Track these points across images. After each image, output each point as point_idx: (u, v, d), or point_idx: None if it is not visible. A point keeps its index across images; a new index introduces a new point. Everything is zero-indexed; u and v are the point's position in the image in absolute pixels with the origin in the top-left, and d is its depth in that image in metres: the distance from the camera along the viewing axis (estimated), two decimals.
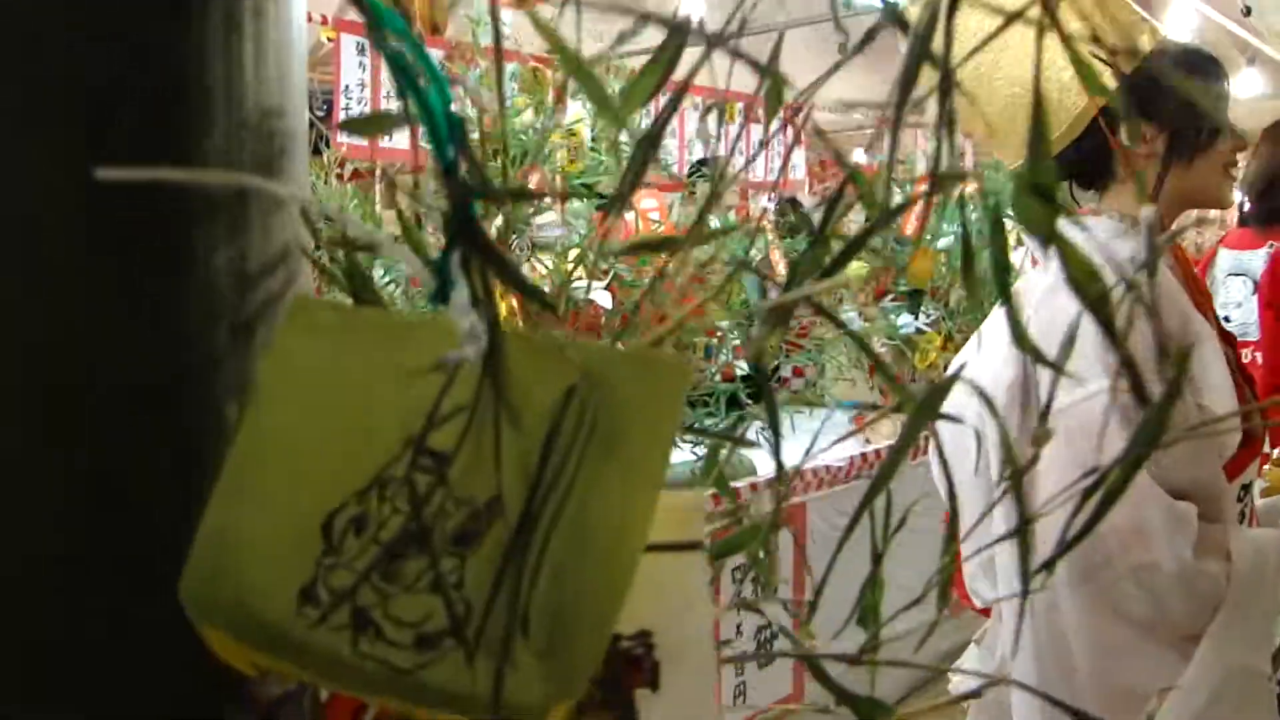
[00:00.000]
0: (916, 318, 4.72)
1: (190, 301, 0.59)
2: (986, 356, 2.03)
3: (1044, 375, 1.99)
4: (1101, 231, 1.97)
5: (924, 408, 0.58)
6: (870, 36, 0.68)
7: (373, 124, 0.66)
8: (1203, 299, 2.04)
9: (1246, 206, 4.23)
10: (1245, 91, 6.96)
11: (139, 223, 0.58)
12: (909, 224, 4.59)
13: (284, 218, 0.64)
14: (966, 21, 1.90)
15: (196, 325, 0.60)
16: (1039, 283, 1.95)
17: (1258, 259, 4.05)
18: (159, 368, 0.59)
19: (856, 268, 4.16)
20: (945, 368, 4.69)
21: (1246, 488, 2.24)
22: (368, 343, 0.60)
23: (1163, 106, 1.91)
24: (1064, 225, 1.83)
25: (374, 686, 0.54)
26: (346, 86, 4.16)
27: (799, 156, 6.01)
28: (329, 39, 3.98)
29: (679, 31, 0.60)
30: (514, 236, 2.77)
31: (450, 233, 0.55)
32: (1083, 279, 0.56)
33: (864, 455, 4.23)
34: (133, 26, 0.58)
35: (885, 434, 4.31)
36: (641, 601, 0.56)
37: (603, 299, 2.77)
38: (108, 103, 0.57)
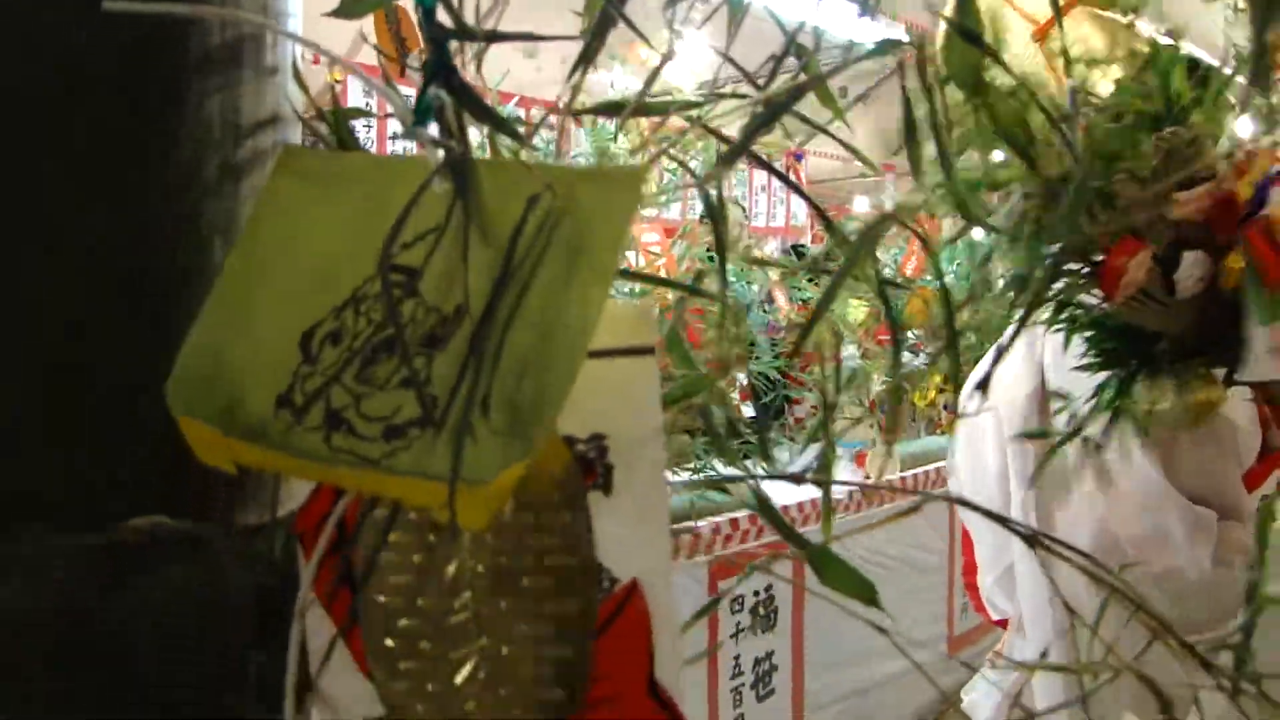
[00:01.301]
0: (917, 356, 4.75)
1: (182, 141, 0.64)
2: (1003, 370, 2.07)
3: (1059, 388, 2.02)
4: None
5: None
6: (862, 96, 0.72)
7: (363, 2, 0.72)
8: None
9: None
10: (1241, 132, 7.03)
11: (137, 65, 0.63)
12: (908, 265, 4.65)
13: (276, 81, 0.69)
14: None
15: (187, 163, 0.64)
16: None
17: None
18: (152, 202, 0.64)
19: (856, 308, 4.22)
20: (945, 406, 4.73)
21: (1265, 499, 2.27)
22: (351, 181, 0.64)
23: None
24: None
25: (346, 476, 0.58)
26: (352, 128, 4.24)
27: (800, 203, 6.09)
28: (336, 80, 4.07)
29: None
30: None
31: (428, 72, 0.60)
32: (1010, 128, 0.61)
33: (864, 491, 4.25)
34: None
35: (885, 471, 4.33)
36: (595, 405, 0.60)
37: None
38: None
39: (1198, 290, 1.53)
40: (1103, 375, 1.79)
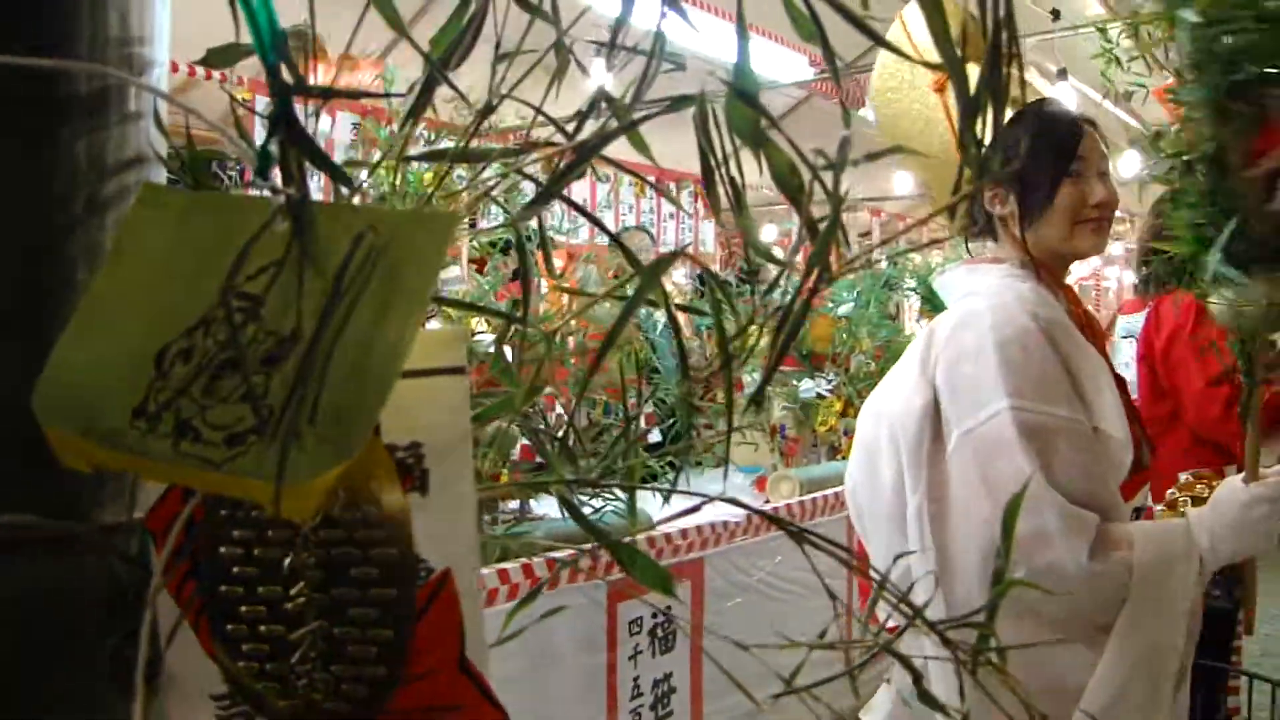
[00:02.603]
0: (814, 380, 4.90)
1: (50, 177, 0.72)
2: (896, 387, 2.18)
3: (949, 400, 2.14)
4: (996, 275, 2.15)
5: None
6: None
7: (227, 54, 0.80)
8: (1096, 338, 2.22)
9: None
10: (1127, 172, 7.34)
11: (5, 108, 0.70)
12: (806, 286, 4.77)
13: (140, 126, 0.77)
14: (909, 103, 2.08)
15: (56, 197, 0.72)
16: (946, 321, 2.12)
17: (1141, 321, 4.31)
18: (21, 232, 0.72)
19: (754, 334, 4.32)
20: (845, 432, 4.85)
21: (1138, 510, 2.40)
22: (205, 217, 0.72)
23: (1006, 167, 2.09)
24: (963, 271, 2.00)
25: (193, 477, 0.66)
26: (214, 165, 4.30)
27: (708, 230, 6.22)
28: (245, 99, 4.13)
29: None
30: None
31: (270, 124, 0.69)
32: (784, 176, 0.70)
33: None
34: None
35: (784, 494, 4.45)
36: (413, 418, 0.69)
37: (505, 351, 2.88)
38: None
39: None
40: (993, 380, 1.91)
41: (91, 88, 0.74)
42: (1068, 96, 6.27)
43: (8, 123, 0.72)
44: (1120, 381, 2.16)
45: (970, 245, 2.31)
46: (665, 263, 0.71)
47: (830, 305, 4.87)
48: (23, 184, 0.72)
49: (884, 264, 5.19)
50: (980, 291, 2.12)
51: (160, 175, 0.79)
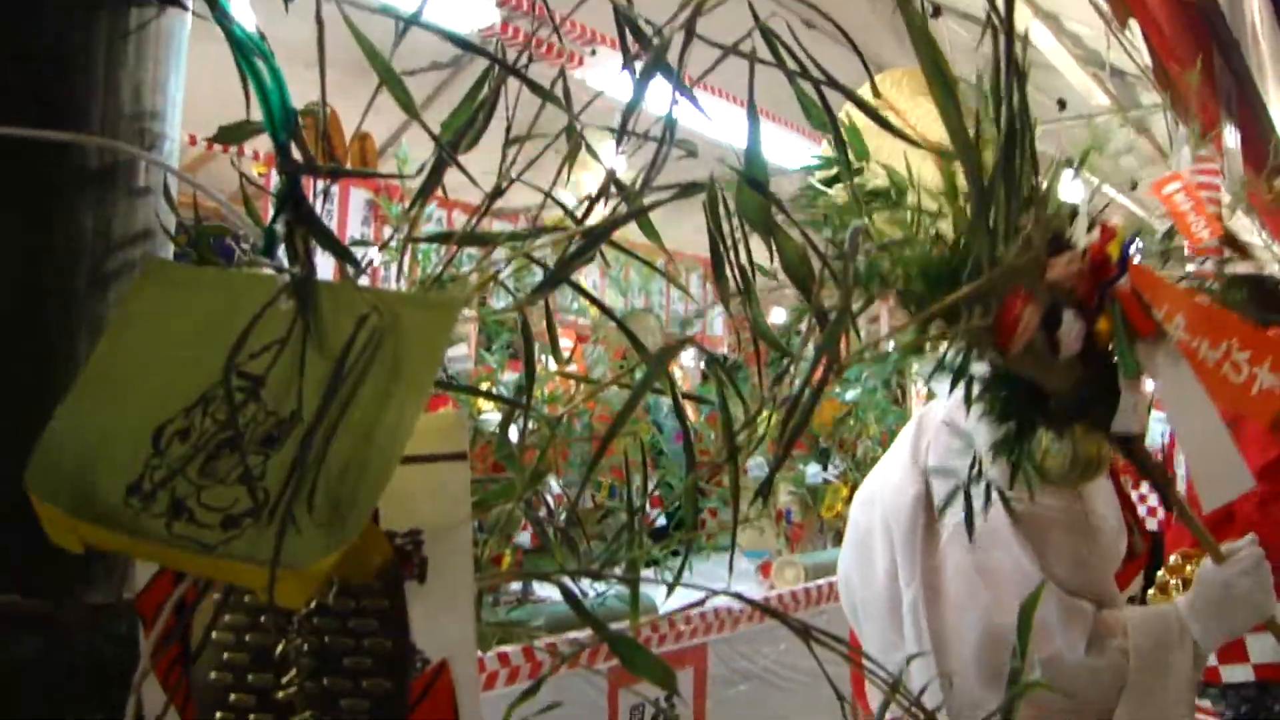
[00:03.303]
0: (825, 468, 4.87)
1: (55, 249, 0.71)
2: (889, 476, 2.16)
3: (941, 490, 2.11)
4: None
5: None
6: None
7: (239, 131, 0.80)
8: None
9: None
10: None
11: (14, 179, 0.70)
12: (816, 374, 4.76)
13: (148, 200, 0.77)
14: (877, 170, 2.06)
15: (60, 270, 0.71)
16: (936, 413, 2.10)
17: None
18: (22, 301, 0.71)
19: (764, 418, 4.30)
20: None
21: (1131, 599, 2.37)
22: (208, 294, 0.72)
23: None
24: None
25: (186, 560, 0.64)
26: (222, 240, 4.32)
27: (717, 311, 6.23)
28: (260, 174, 4.16)
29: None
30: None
31: (279, 201, 0.68)
32: (794, 265, 0.70)
33: (766, 599, 4.30)
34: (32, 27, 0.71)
35: (789, 580, 4.40)
36: (413, 503, 0.68)
37: (512, 432, 2.87)
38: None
39: (1076, 349, 1.63)
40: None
41: (102, 162, 0.74)
42: (1074, 186, 6.29)
43: (16, 195, 0.71)
44: (1111, 470, 2.15)
45: None
46: (671, 351, 0.70)
47: (836, 390, 4.86)
48: (27, 255, 0.72)
49: (890, 348, 5.17)
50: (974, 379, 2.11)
51: (167, 249, 0.79)
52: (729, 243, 0.73)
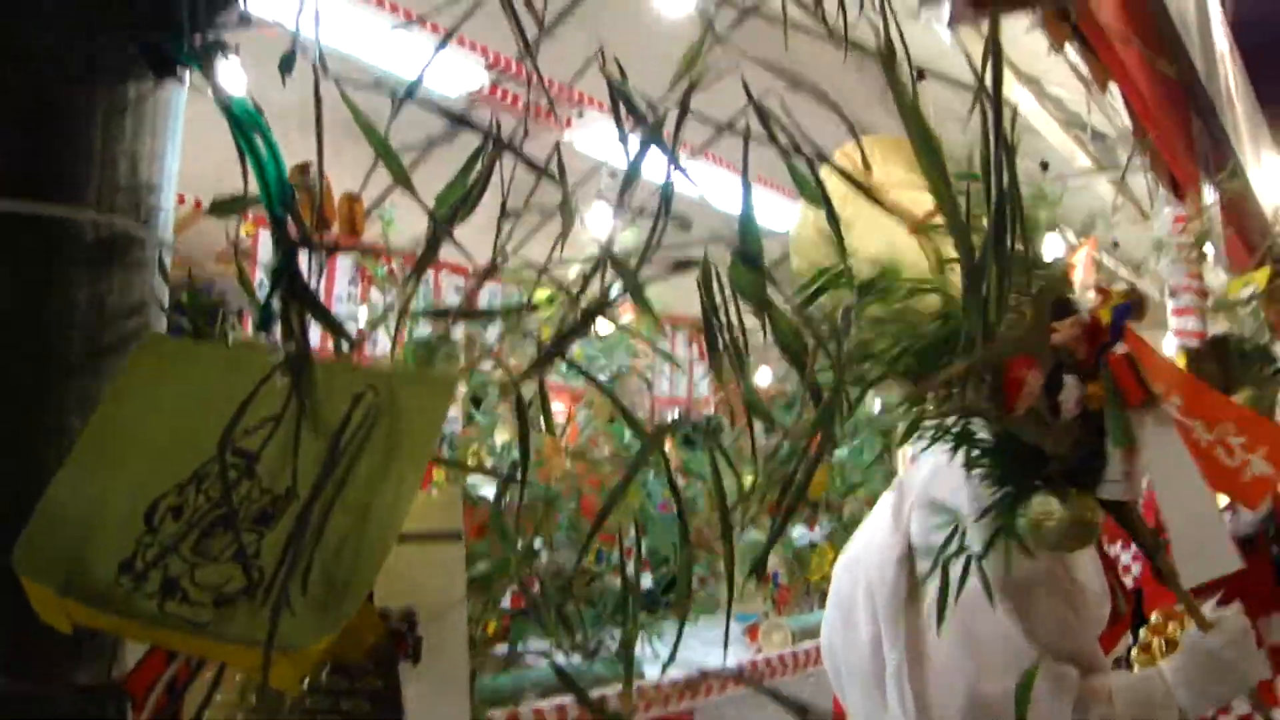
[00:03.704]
0: (811, 528, 4.85)
1: (52, 324, 0.71)
2: (871, 539, 2.15)
3: (924, 555, 2.10)
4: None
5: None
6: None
7: (235, 204, 0.80)
8: None
9: None
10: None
11: (9, 254, 0.70)
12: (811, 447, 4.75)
13: (144, 274, 0.77)
14: (848, 241, 2.08)
15: (54, 344, 0.71)
16: (918, 473, 2.10)
17: None
18: (15, 374, 0.71)
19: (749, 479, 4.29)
20: None
21: (1117, 661, 2.35)
22: (203, 368, 0.71)
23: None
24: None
25: (178, 640, 0.63)
26: (261, 281, 4.33)
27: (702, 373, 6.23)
28: (248, 234, 4.16)
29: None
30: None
31: (274, 276, 0.68)
32: (787, 340, 0.70)
33: (753, 663, 4.27)
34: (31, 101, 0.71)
35: (777, 643, 4.37)
36: (407, 583, 0.67)
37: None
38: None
39: (1076, 412, 1.63)
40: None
41: (99, 235, 0.74)
42: (1055, 245, 6.35)
43: (11, 267, 0.71)
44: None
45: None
46: (664, 431, 0.70)
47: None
48: (22, 329, 0.71)
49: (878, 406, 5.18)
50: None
51: (161, 321, 0.79)
52: (721, 317, 0.74)
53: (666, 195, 0.74)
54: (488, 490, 2.66)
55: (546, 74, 0.89)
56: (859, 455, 4.86)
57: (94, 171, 0.73)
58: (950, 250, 2.01)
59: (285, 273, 0.68)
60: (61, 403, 0.73)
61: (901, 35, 0.79)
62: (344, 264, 5.59)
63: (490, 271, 0.72)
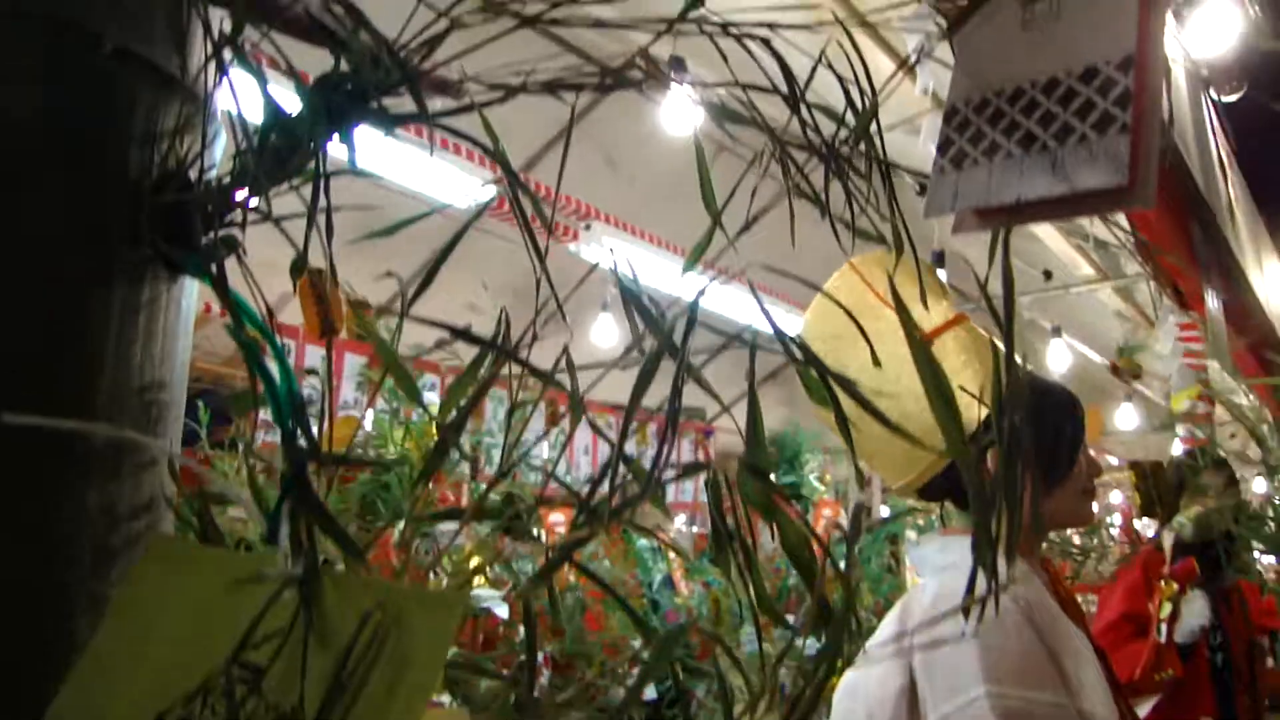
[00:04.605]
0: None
1: (62, 529, 0.71)
2: (872, 664, 2.13)
3: (926, 684, 2.10)
4: (961, 549, 2.13)
5: None
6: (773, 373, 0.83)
7: (240, 401, 0.81)
8: (1075, 612, 2.19)
9: None
10: (1124, 424, 7.44)
11: (21, 460, 0.70)
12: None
13: (154, 473, 0.77)
14: (855, 353, 2.10)
15: (63, 548, 0.72)
16: (921, 597, 2.09)
17: None
18: (22, 579, 0.71)
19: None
20: None
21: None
22: (210, 576, 0.71)
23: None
24: (932, 544, 2.00)
25: None
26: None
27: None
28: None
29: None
30: (418, 540, 2.86)
31: (283, 489, 0.69)
32: (795, 549, 0.70)
33: None
34: (39, 297, 0.72)
35: None
36: None
37: (500, 610, 2.84)
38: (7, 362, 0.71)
39: None
40: (972, 665, 1.87)
41: (108, 440, 0.75)
42: (1061, 353, 6.38)
43: (20, 472, 0.72)
44: (1103, 656, 2.13)
45: (944, 513, 2.30)
46: (676, 635, 0.70)
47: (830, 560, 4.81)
48: (32, 535, 0.72)
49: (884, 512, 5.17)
50: (959, 566, 2.09)
51: (168, 519, 0.79)
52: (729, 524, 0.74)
53: (673, 417, 0.75)
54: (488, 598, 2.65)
55: (552, 184, 0.91)
56: (866, 564, 4.83)
57: (105, 379, 0.74)
58: (957, 364, 2.02)
59: (296, 486, 0.69)
60: (71, 607, 0.73)
61: (909, 234, 0.80)
62: (351, 368, 5.62)
63: (503, 477, 0.73)
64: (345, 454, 0.69)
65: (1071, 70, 0.72)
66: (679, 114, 3.18)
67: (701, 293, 0.71)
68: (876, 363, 2.37)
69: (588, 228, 4.31)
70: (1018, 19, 0.75)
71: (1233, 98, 3.33)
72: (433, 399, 5.06)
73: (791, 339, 0.75)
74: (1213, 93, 3.37)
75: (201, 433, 3.04)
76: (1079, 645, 2.04)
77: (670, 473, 0.76)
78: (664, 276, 4.78)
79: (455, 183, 3.83)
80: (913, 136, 3.66)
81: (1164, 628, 3.50)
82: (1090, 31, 0.72)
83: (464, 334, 0.66)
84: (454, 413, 0.74)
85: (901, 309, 0.76)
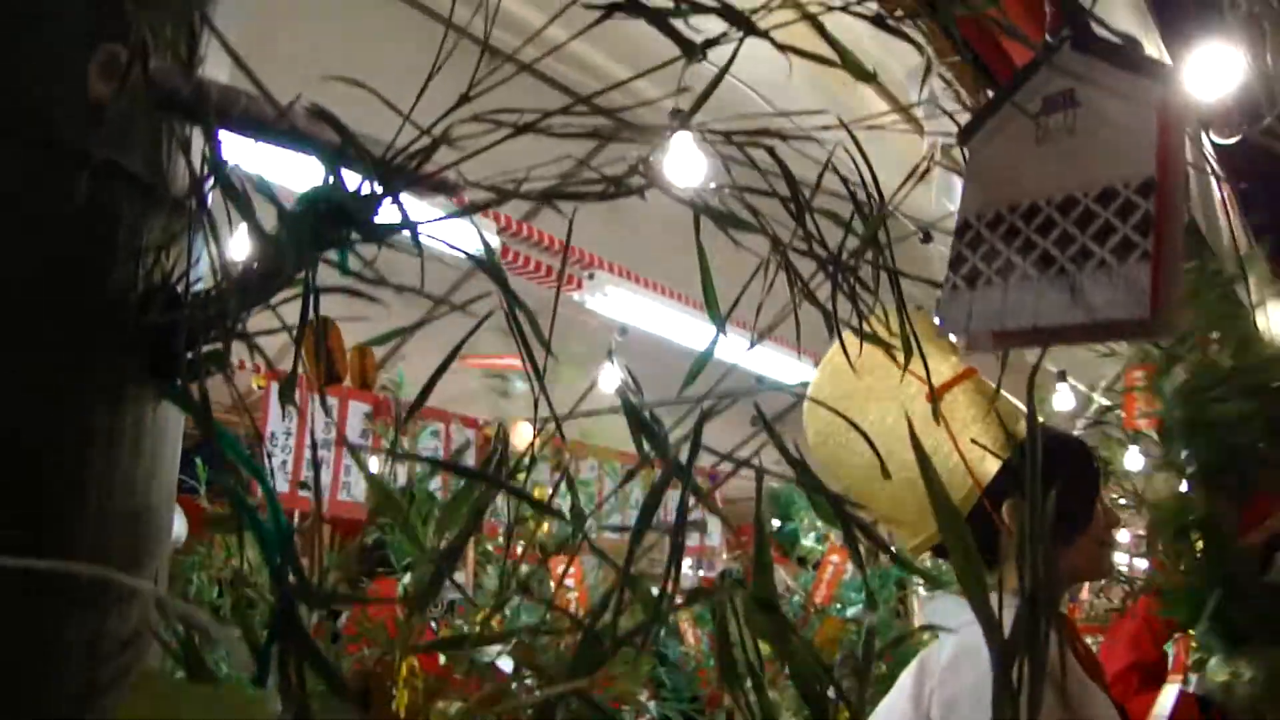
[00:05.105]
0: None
1: (48, 666, 0.69)
2: (890, 715, 2.11)
3: None
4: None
5: None
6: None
7: (228, 522, 0.78)
8: (1093, 665, 2.16)
9: None
10: (1136, 466, 7.39)
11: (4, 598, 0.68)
12: (819, 591, 4.70)
13: (139, 604, 0.75)
14: (866, 411, 2.08)
15: (50, 686, 0.69)
16: (940, 653, 2.06)
17: None
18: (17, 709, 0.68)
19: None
20: None
21: None
22: (196, 712, 0.69)
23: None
24: (948, 600, 1.97)
25: None
26: (273, 434, 4.35)
27: (715, 524, 6.18)
28: (259, 386, 4.18)
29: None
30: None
31: (271, 629, 0.66)
32: (806, 681, 0.67)
33: None
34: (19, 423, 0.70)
35: None
36: None
37: (504, 664, 2.80)
38: None
39: None
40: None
41: (93, 574, 0.72)
42: (1066, 397, 6.34)
43: (5, 615, 0.69)
44: (1122, 712, 2.10)
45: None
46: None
47: (838, 606, 4.78)
48: (17, 673, 0.69)
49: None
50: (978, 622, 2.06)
51: (154, 651, 0.76)
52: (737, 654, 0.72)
53: (680, 516, 0.73)
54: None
55: (554, 230, 0.89)
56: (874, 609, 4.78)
57: (90, 508, 0.71)
58: (967, 418, 1.99)
59: (285, 624, 0.66)
60: None
61: (922, 354, 0.78)
62: (356, 414, 5.60)
63: (513, 588, 0.70)
64: (334, 591, 0.66)
65: (1089, 190, 0.69)
66: (683, 164, 3.16)
67: (704, 419, 0.69)
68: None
69: (591, 276, 4.30)
70: (1031, 132, 0.73)
71: (1231, 140, 3.31)
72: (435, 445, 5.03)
73: (794, 459, 0.73)
74: (1213, 135, 3.35)
75: (200, 489, 3.01)
76: (1099, 705, 2.02)
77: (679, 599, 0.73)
78: (669, 325, 4.76)
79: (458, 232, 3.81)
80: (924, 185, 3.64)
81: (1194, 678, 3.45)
82: (1108, 150, 0.69)
83: (453, 466, 0.64)
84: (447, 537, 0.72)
85: (917, 361, 0.73)
